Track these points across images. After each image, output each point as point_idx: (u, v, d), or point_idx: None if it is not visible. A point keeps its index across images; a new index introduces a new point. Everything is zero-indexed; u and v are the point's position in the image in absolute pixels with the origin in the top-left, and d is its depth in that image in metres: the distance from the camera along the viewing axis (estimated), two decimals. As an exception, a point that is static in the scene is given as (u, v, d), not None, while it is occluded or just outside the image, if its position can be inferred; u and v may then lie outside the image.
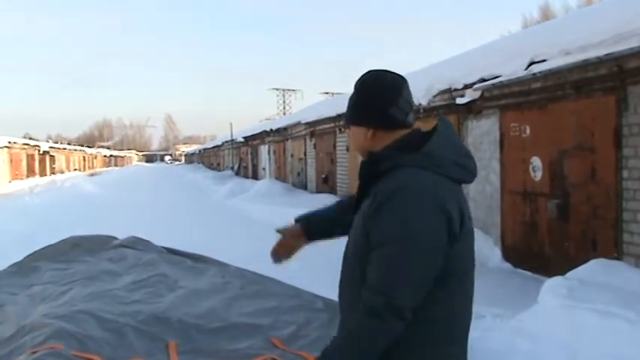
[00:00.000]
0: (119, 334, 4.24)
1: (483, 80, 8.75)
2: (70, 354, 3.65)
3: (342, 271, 2.01)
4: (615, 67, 6.53)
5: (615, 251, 6.54)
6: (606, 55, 6.20)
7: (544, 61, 7.41)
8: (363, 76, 2.00)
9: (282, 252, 2.36)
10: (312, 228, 2.33)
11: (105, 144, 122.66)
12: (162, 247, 7.77)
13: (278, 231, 2.36)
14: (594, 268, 5.80)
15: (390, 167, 1.85)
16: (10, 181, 33.39)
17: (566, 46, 7.02)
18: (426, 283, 1.77)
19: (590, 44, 6.54)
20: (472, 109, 9.55)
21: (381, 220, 1.78)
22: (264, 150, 31.73)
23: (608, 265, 5.94)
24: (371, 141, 1.96)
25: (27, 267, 6.85)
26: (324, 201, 3.83)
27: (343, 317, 2.01)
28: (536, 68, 7.45)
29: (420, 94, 10.62)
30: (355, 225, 1.94)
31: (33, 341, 3.82)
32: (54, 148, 51.17)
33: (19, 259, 7.19)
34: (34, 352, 3.60)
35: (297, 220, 2.36)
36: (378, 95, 1.94)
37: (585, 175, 7.03)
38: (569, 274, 5.75)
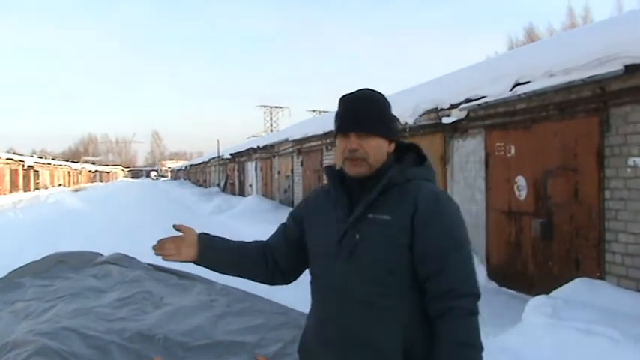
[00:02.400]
0: (104, 351, 4.20)
1: (469, 100, 8.85)
2: (54, 371, 3.62)
3: (352, 290, 1.93)
4: (598, 89, 6.65)
5: (598, 270, 6.61)
6: (589, 77, 6.31)
7: (529, 82, 7.51)
8: (373, 91, 2.08)
9: (171, 247, 2.15)
10: (209, 250, 2.18)
11: (91, 159, 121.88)
12: (148, 264, 7.73)
13: (175, 227, 2.18)
14: (577, 287, 5.87)
15: (404, 180, 1.98)
16: (-7, 196, 33.04)
17: (551, 67, 7.13)
18: None
19: (574, 67, 6.66)
20: (458, 129, 9.66)
21: (437, 229, 1.90)
22: (251, 167, 31.73)
23: (591, 284, 6.01)
24: (388, 154, 2.03)
25: (10, 283, 6.77)
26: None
27: (353, 338, 1.93)
28: (520, 89, 7.55)
29: (407, 113, 10.71)
30: (377, 234, 1.92)
31: (16, 358, 3.78)
32: (38, 163, 50.74)
33: (3, 275, 7.13)
34: (18, 369, 3.56)
35: (200, 234, 2.21)
36: (391, 110, 2.08)
37: (569, 195, 7.11)
38: (553, 293, 5.81)
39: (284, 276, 2.23)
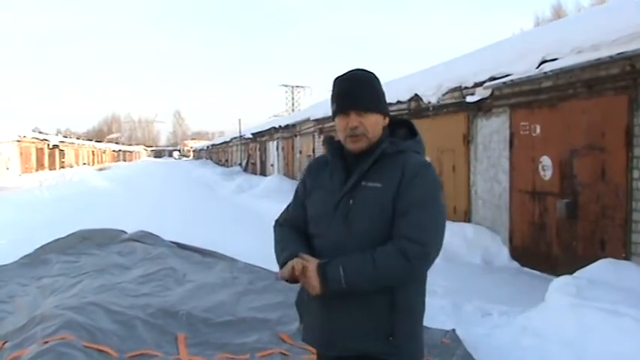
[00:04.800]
0: (128, 326, 4.28)
1: (494, 79, 8.73)
2: (80, 345, 3.69)
3: (345, 249, 2.10)
4: (628, 67, 6.49)
5: (624, 251, 6.52)
6: (619, 54, 6.17)
7: (555, 59, 7.37)
8: (364, 70, 2.26)
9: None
10: None
11: (114, 136, 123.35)
12: (171, 242, 7.83)
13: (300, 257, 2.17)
14: (602, 268, 5.79)
15: (396, 152, 2.18)
16: (20, 175, 33.63)
17: (579, 44, 6.98)
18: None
19: (603, 43, 6.51)
20: (482, 108, 9.53)
21: (415, 189, 2.09)
22: (272, 146, 31.78)
23: (617, 265, 5.92)
24: (383, 128, 2.23)
25: (37, 259, 6.93)
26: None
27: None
28: (547, 67, 7.42)
29: (430, 92, 10.60)
30: (368, 200, 2.12)
31: (44, 332, 3.86)
32: (63, 142, 51.41)
33: (30, 252, 7.27)
34: (46, 342, 3.64)
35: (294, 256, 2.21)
36: (382, 87, 2.27)
37: (595, 175, 7.00)
38: (577, 274, 5.74)
39: None
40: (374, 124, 2.18)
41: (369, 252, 2.05)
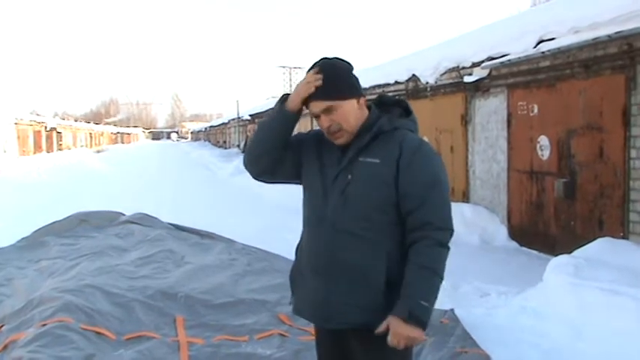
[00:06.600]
0: (127, 308, 4.27)
1: (491, 58, 8.68)
2: (78, 327, 3.68)
3: (343, 224, 2.15)
4: (625, 46, 6.46)
5: (622, 230, 6.53)
6: (616, 33, 6.13)
7: (553, 39, 7.33)
8: (334, 59, 2.24)
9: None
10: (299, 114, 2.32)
11: (111, 120, 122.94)
12: (169, 224, 7.80)
13: None
14: (600, 247, 5.79)
15: (392, 128, 2.20)
16: (17, 157, 33.51)
17: (576, 24, 6.94)
18: None
19: (600, 22, 6.46)
20: (480, 88, 9.49)
21: (419, 170, 2.12)
22: (270, 128, 31.62)
23: (615, 244, 5.92)
24: (360, 110, 2.21)
25: (35, 242, 6.90)
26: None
27: (345, 264, 2.15)
28: (545, 46, 7.37)
29: (428, 72, 10.54)
30: (367, 175, 2.14)
31: (42, 314, 3.85)
32: (61, 124, 51.16)
33: (27, 235, 7.25)
34: (44, 325, 3.63)
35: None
36: (345, 71, 2.23)
37: (593, 155, 6.99)
38: (575, 253, 5.75)
39: (274, 173, 2.39)
40: (346, 113, 2.16)
41: (416, 264, 2.07)
